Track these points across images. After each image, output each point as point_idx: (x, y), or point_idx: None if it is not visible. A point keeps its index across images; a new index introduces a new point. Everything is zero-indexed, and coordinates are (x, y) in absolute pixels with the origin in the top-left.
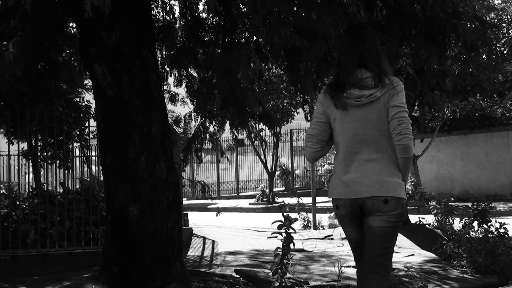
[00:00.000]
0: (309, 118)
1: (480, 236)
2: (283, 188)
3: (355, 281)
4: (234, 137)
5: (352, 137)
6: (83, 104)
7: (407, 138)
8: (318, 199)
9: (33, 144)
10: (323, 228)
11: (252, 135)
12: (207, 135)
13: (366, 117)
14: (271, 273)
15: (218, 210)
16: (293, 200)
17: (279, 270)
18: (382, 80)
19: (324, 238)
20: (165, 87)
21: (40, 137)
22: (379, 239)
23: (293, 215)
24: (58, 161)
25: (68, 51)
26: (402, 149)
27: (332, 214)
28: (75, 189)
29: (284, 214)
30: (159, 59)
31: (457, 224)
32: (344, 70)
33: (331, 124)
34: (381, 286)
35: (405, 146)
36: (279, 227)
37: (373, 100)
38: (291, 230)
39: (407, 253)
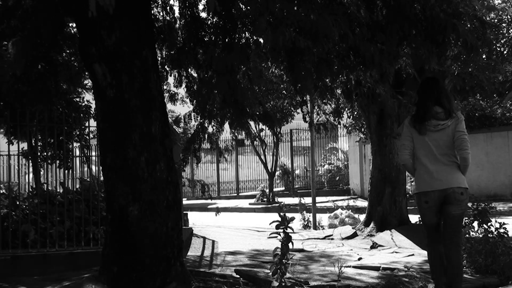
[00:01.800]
0: (307, 119)
1: (480, 236)
2: (283, 188)
3: (355, 281)
4: (234, 137)
5: (428, 151)
6: (83, 104)
7: (467, 152)
8: (318, 199)
9: (33, 144)
10: (323, 228)
11: (252, 135)
12: (206, 135)
13: (439, 138)
14: (271, 273)
15: (218, 210)
16: (293, 200)
17: (279, 270)
18: (451, 114)
19: (324, 238)
20: (165, 87)
21: (40, 137)
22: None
23: (293, 215)
24: (58, 161)
25: (68, 51)
26: (463, 159)
27: (332, 214)
28: (75, 189)
29: (281, 214)
30: (159, 59)
31: None
32: (423, 107)
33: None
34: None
35: (465, 158)
36: (277, 227)
37: (446, 127)
38: (289, 230)
39: (407, 253)
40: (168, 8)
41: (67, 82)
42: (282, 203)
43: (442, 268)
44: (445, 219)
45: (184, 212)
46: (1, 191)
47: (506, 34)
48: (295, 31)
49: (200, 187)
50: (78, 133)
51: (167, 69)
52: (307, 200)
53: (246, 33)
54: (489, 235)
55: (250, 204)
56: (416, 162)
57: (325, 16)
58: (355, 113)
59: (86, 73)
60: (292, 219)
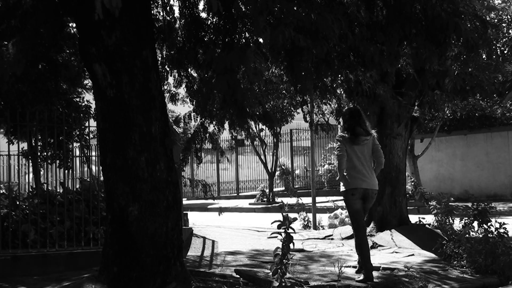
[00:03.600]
0: (307, 119)
1: (480, 236)
2: (283, 188)
3: (355, 281)
4: (234, 137)
5: (358, 159)
6: (83, 104)
7: (383, 158)
8: (318, 199)
9: (33, 144)
10: (323, 228)
11: (252, 135)
12: (207, 135)
13: (365, 149)
14: (271, 273)
15: (220, 210)
16: (293, 200)
17: (279, 270)
18: (369, 133)
19: (324, 238)
20: (165, 87)
21: (40, 137)
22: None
23: (293, 215)
24: (58, 161)
25: (68, 51)
26: (380, 163)
27: (332, 214)
28: (75, 189)
29: (283, 214)
30: (159, 59)
31: (457, 224)
32: (354, 130)
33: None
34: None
35: (382, 162)
36: (279, 227)
37: (368, 142)
38: (290, 230)
39: (407, 253)
40: (168, 8)
41: (67, 82)
42: (283, 203)
43: (369, 253)
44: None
45: (184, 212)
46: (1, 191)
47: (506, 34)
48: (295, 30)
49: (202, 187)
50: (78, 133)
51: (167, 69)
52: (307, 200)
53: (246, 33)
54: (489, 235)
55: (250, 204)
56: (348, 167)
57: (325, 15)
58: None
59: (86, 73)
60: (294, 219)
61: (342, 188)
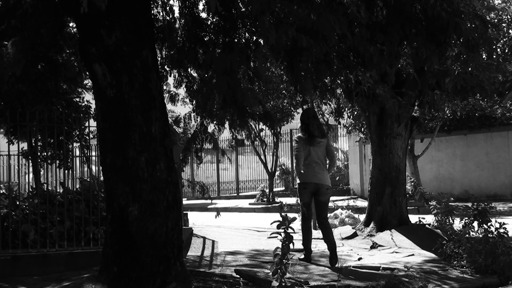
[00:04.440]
0: None
1: (480, 236)
2: (283, 188)
3: (355, 281)
4: (234, 137)
5: (313, 158)
6: (83, 104)
7: (336, 158)
8: None
9: (33, 144)
10: None
11: (252, 135)
12: (207, 135)
13: (320, 150)
14: (271, 273)
15: (218, 212)
16: (293, 200)
17: (279, 270)
18: (324, 136)
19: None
20: (165, 87)
21: (40, 137)
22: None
23: (292, 215)
24: (58, 161)
25: (68, 51)
26: (333, 162)
27: (332, 214)
28: (75, 189)
29: (282, 214)
30: (159, 59)
31: (457, 224)
32: (311, 132)
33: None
34: (329, 224)
35: (335, 161)
36: (278, 227)
37: (323, 144)
38: (290, 230)
39: (407, 253)
40: (168, 8)
41: (67, 82)
42: (282, 203)
43: (310, 238)
44: (316, 204)
45: (184, 212)
46: (1, 191)
47: (506, 34)
48: (296, 30)
49: (199, 188)
50: (78, 133)
51: (167, 69)
52: None
53: (246, 33)
54: (489, 235)
55: (250, 204)
56: (304, 164)
57: (326, 15)
58: (355, 113)
59: (86, 73)
60: (294, 219)
61: (297, 181)
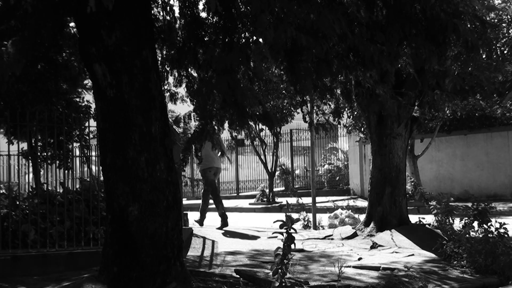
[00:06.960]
0: (307, 119)
1: (480, 236)
2: (283, 188)
3: (355, 281)
4: (234, 137)
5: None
6: (83, 104)
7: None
8: (318, 199)
9: (33, 144)
10: (323, 228)
11: (252, 135)
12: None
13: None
14: (271, 273)
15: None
16: (293, 200)
17: (280, 270)
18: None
19: (324, 238)
20: (165, 87)
21: (40, 137)
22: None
23: (293, 215)
24: (58, 161)
25: (68, 51)
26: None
27: (332, 214)
28: (75, 189)
29: (286, 214)
30: (159, 59)
31: (457, 224)
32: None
33: None
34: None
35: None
36: (281, 227)
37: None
38: (292, 230)
39: (407, 253)
40: (168, 8)
41: (67, 82)
42: (287, 203)
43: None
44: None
45: (184, 212)
46: (1, 191)
47: (506, 34)
48: (296, 29)
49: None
50: (78, 133)
51: (167, 69)
52: (307, 200)
53: (246, 33)
54: (489, 235)
55: (250, 204)
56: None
57: (326, 15)
58: (355, 113)
59: (86, 73)
60: (297, 220)
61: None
